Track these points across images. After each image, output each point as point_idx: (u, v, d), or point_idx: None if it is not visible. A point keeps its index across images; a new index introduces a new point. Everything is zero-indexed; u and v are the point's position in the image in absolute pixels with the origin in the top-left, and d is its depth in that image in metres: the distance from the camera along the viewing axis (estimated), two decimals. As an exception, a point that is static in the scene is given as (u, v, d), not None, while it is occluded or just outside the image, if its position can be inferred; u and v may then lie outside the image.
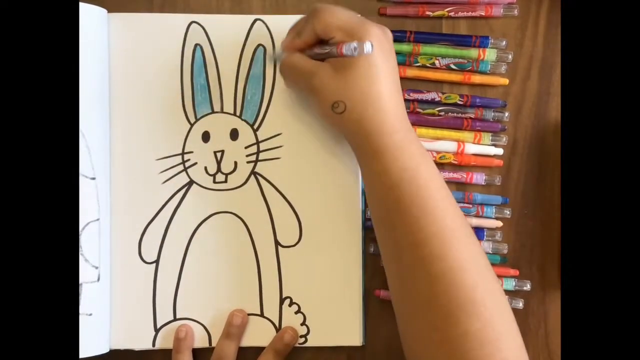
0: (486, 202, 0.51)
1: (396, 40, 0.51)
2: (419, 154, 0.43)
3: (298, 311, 0.50)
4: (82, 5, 0.48)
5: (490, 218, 0.51)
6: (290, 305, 0.50)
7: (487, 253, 0.51)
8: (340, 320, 0.50)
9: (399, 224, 0.42)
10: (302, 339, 0.50)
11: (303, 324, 0.50)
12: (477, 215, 0.51)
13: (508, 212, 0.51)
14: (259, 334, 0.50)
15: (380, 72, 0.43)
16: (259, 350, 0.50)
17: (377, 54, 0.42)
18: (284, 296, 0.50)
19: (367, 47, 0.41)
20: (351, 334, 0.50)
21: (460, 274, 0.41)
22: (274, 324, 0.50)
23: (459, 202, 0.50)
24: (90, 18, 0.49)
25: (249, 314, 0.50)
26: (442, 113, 0.51)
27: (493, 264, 0.51)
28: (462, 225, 0.43)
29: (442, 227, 0.42)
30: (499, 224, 0.51)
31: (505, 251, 0.51)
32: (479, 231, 0.51)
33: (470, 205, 0.51)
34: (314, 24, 0.44)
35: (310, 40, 0.45)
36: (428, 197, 0.42)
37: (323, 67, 0.44)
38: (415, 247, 0.42)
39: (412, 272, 0.42)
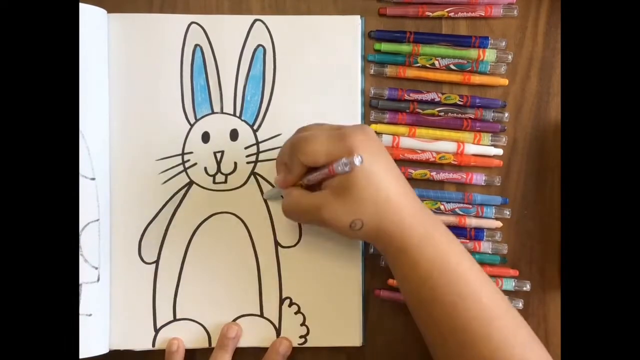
0: (486, 203, 0.51)
1: (396, 40, 0.51)
2: (444, 241, 0.44)
3: (298, 311, 0.50)
4: (82, 5, 0.48)
5: (490, 218, 0.51)
6: (290, 305, 0.50)
7: (487, 253, 0.51)
8: (340, 321, 0.50)
9: (437, 312, 0.42)
10: (302, 340, 0.50)
11: (303, 324, 0.50)
12: (477, 216, 0.51)
13: (508, 213, 0.51)
14: (258, 335, 0.50)
15: (379, 176, 0.42)
16: (258, 350, 0.50)
17: (367, 159, 0.42)
18: (283, 296, 0.50)
19: (357, 160, 0.40)
20: (351, 335, 0.50)
21: (509, 351, 0.41)
22: (273, 324, 0.50)
23: (458, 202, 0.51)
24: (90, 18, 0.49)
25: (248, 315, 0.50)
26: (442, 113, 0.51)
27: (493, 265, 0.51)
28: (499, 300, 0.43)
29: (480, 309, 0.42)
30: (499, 224, 0.51)
31: (505, 251, 0.51)
32: (478, 231, 0.51)
33: (470, 206, 0.51)
34: (299, 157, 0.43)
35: (301, 173, 0.44)
36: (462, 282, 0.42)
37: (325, 197, 0.43)
38: (457, 332, 0.42)
39: (460, 356, 0.42)
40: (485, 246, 0.51)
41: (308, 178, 0.44)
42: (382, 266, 0.51)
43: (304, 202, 0.44)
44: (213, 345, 0.50)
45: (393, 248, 0.43)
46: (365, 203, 0.42)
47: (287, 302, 0.50)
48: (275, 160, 0.50)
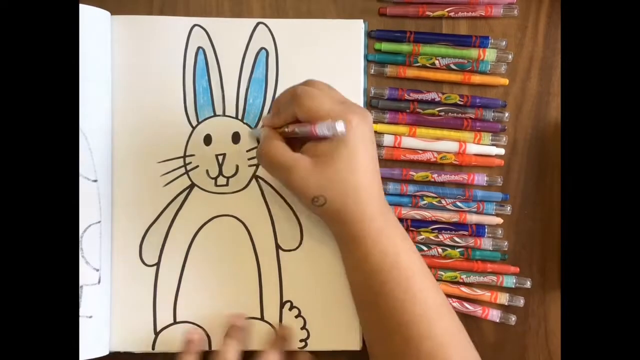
0: (486, 199, 0.51)
1: (396, 40, 0.51)
2: (399, 238, 0.44)
3: (298, 315, 0.50)
4: (85, 7, 0.48)
5: (491, 214, 0.51)
6: (290, 309, 0.50)
7: (488, 250, 0.51)
8: (339, 325, 0.50)
9: (384, 307, 0.43)
10: (302, 343, 0.50)
11: (303, 328, 0.50)
12: (477, 211, 0.51)
13: (509, 208, 0.51)
14: (259, 338, 0.50)
15: (359, 162, 0.43)
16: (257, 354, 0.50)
17: (356, 144, 0.42)
18: (284, 300, 0.50)
19: (340, 127, 0.40)
20: (350, 338, 0.50)
21: (448, 350, 0.43)
22: (274, 327, 0.50)
23: (458, 198, 0.51)
24: (93, 20, 0.48)
25: (249, 318, 0.50)
26: (442, 113, 0.51)
27: (494, 262, 0.51)
28: (443, 302, 0.45)
29: (426, 308, 0.43)
30: (500, 220, 0.51)
31: (506, 248, 0.51)
32: (480, 228, 0.51)
33: (471, 202, 0.51)
34: (295, 108, 0.43)
35: (289, 120, 0.45)
36: (411, 280, 0.43)
37: (302, 161, 0.43)
38: (403, 327, 0.43)
39: (402, 351, 0.43)
40: (486, 243, 0.51)
41: (292, 129, 0.44)
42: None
43: (279, 155, 0.44)
44: (213, 348, 0.50)
45: (348, 235, 0.44)
46: (335, 183, 0.43)
47: (287, 305, 0.50)
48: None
